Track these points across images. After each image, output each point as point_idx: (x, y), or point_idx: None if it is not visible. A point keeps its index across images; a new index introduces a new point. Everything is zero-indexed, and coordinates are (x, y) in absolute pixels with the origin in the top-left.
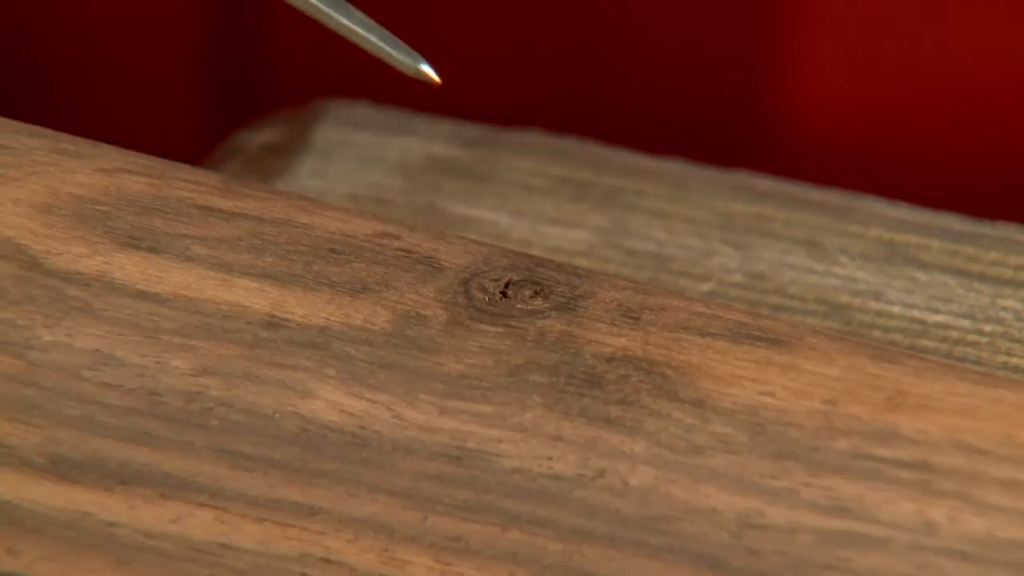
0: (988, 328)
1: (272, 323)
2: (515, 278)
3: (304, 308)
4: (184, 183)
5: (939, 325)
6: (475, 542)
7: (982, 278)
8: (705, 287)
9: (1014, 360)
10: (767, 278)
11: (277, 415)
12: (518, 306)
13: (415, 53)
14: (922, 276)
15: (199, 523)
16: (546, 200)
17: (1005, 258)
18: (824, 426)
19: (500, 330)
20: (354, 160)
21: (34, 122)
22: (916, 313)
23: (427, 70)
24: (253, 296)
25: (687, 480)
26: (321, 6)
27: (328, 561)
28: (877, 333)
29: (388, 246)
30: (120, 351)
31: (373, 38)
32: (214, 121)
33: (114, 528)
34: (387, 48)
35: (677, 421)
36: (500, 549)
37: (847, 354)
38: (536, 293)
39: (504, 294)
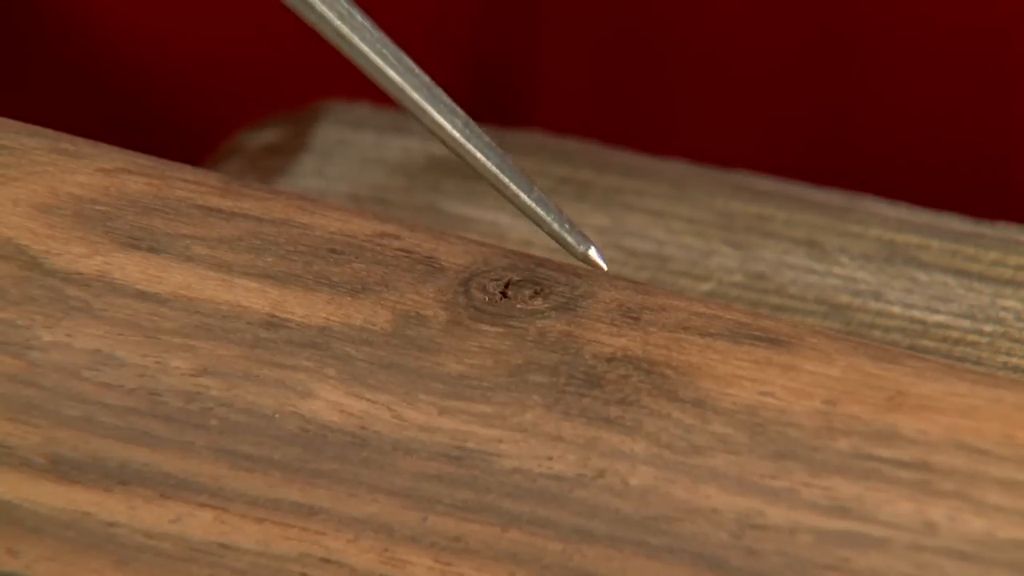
0: (988, 328)
1: (272, 323)
2: (515, 278)
3: (304, 308)
4: (184, 183)
5: (939, 325)
6: (475, 542)
7: (982, 278)
8: (705, 287)
9: (1014, 360)
10: (767, 278)
11: (277, 415)
12: (518, 306)
13: (586, 239)
14: (922, 276)
15: (199, 523)
16: None
17: (1005, 258)
18: (824, 426)
19: (500, 330)
20: (354, 160)
21: (35, 122)
22: (916, 313)
23: (595, 256)
24: (253, 296)
25: (687, 480)
26: (510, 183)
27: (328, 561)
28: (877, 333)
29: (388, 246)
30: (120, 351)
31: (550, 219)
32: (214, 122)
33: (114, 528)
34: (560, 230)
35: (677, 421)
36: (500, 549)
37: (847, 354)
38: (536, 293)
39: (504, 294)
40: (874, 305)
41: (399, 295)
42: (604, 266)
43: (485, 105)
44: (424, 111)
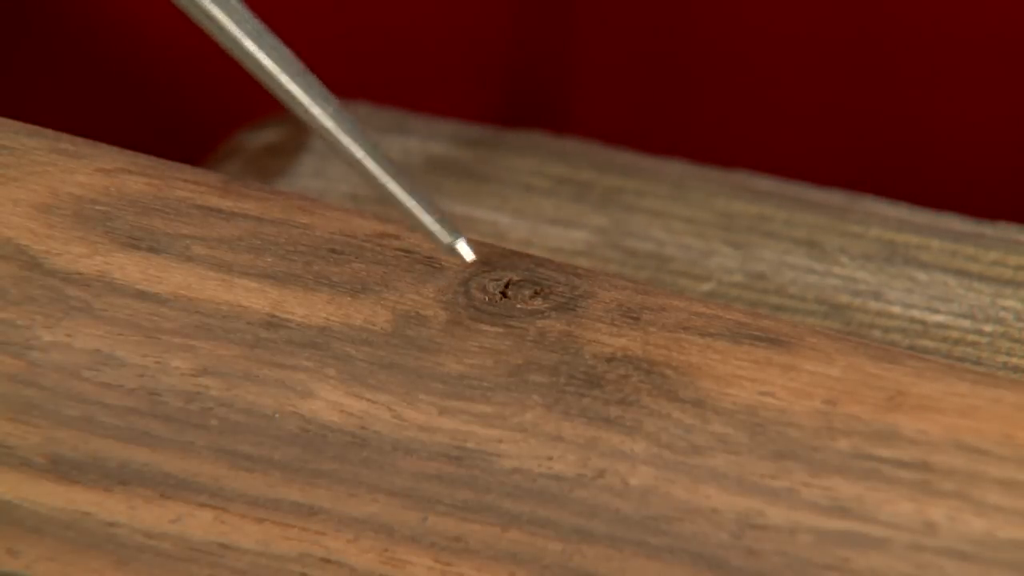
0: (988, 328)
1: (272, 323)
2: (515, 278)
3: (304, 308)
4: (184, 183)
5: (939, 325)
6: (475, 542)
7: (982, 278)
8: (705, 287)
9: (1014, 360)
10: (767, 278)
11: (277, 415)
12: (518, 306)
13: (456, 231)
14: (922, 276)
15: (199, 523)
16: (546, 200)
17: (1005, 258)
18: (824, 426)
19: (500, 330)
20: None
21: (35, 122)
22: (916, 313)
23: (462, 249)
24: (253, 296)
25: (687, 480)
26: (370, 167)
27: (328, 561)
28: (877, 333)
29: (388, 246)
30: (120, 351)
31: (417, 210)
32: (214, 122)
33: (114, 528)
34: (426, 221)
35: (677, 421)
36: (500, 549)
37: (847, 354)
38: (536, 293)
39: (504, 294)
40: (874, 305)
41: (399, 295)
42: (469, 258)
43: (495, 105)
44: (294, 98)
